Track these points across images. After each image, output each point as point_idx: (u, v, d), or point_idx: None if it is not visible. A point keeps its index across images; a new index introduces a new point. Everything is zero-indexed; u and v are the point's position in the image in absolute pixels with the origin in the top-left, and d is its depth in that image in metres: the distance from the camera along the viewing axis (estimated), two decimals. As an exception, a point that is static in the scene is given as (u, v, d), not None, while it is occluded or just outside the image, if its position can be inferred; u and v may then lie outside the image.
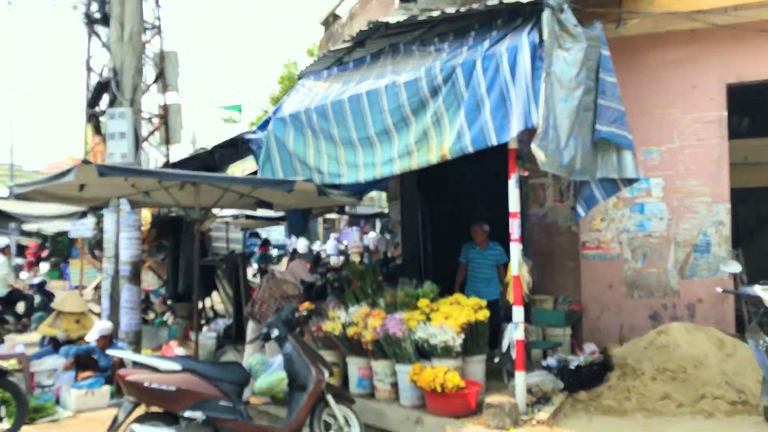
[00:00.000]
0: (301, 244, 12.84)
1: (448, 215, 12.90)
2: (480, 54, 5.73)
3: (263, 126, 7.78)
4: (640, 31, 7.65)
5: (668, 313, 7.69)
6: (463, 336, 6.40)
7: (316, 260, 17.21)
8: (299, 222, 8.82)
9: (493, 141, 5.65)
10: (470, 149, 5.80)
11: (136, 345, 8.40)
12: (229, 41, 71.55)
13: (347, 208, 18.10)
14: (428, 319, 6.68)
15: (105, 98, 9.17)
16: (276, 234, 29.30)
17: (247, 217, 15.13)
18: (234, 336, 10.24)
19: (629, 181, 6.28)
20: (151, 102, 15.21)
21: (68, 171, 5.36)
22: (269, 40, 70.01)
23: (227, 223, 15.50)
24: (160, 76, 10.13)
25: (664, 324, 7.54)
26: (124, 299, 8.37)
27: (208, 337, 9.89)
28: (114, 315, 8.58)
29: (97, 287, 12.83)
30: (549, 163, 5.22)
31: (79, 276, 13.97)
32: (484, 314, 6.65)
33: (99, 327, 7.68)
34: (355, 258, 19.11)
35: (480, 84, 5.69)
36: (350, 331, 6.76)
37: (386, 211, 23.26)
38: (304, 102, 7.31)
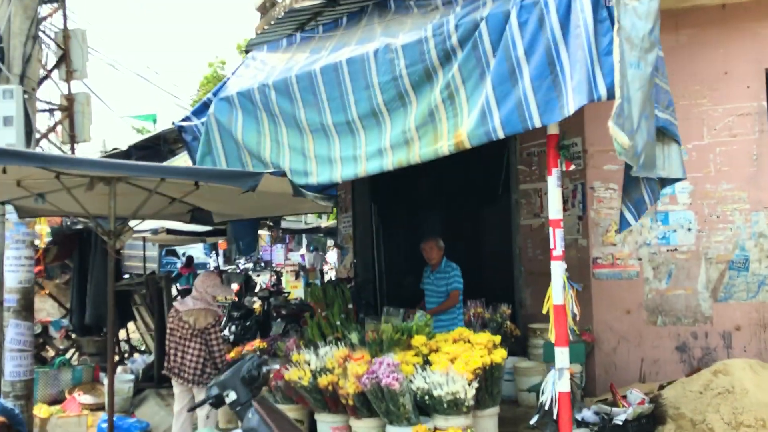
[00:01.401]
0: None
1: (405, 229, 11.45)
2: (514, 3, 4.21)
3: (201, 110, 5.96)
4: (662, 7, 6.38)
5: (699, 344, 6.42)
6: (476, 385, 4.85)
7: (246, 281, 15.27)
8: (247, 235, 6.98)
9: (536, 122, 4.11)
10: (500, 134, 4.25)
11: (27, 399, 6.35)
12: (144, 37, 67.44)
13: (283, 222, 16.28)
14: (426, 362, 5.10)
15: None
16: (195, 252, 27.17)
17: (168, 231, 13.05)
18: (156, 377, 8.39)
19: (665, 182, 5.01)
20: (53, 91, 13.04)
21: None
22: (191, 35, 66.35)
23: (144, 239, 13.36)
24: (64, 59, 8.19)
25: (692, 355, 6.38)
26: (9, 339, 6.29)
27: (123, 380, 8.03)
28: (-5, 359, 6.51)
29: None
30: (627, 150, 3.75)
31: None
32: (501, 354, 5.12)
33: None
34: (289, 278, 17.29)
35: (516, 44, 4.15)
36: (323, 381, 5.07)
37: (317, 226, 21.58)
38: (257, 77, 5.56)
